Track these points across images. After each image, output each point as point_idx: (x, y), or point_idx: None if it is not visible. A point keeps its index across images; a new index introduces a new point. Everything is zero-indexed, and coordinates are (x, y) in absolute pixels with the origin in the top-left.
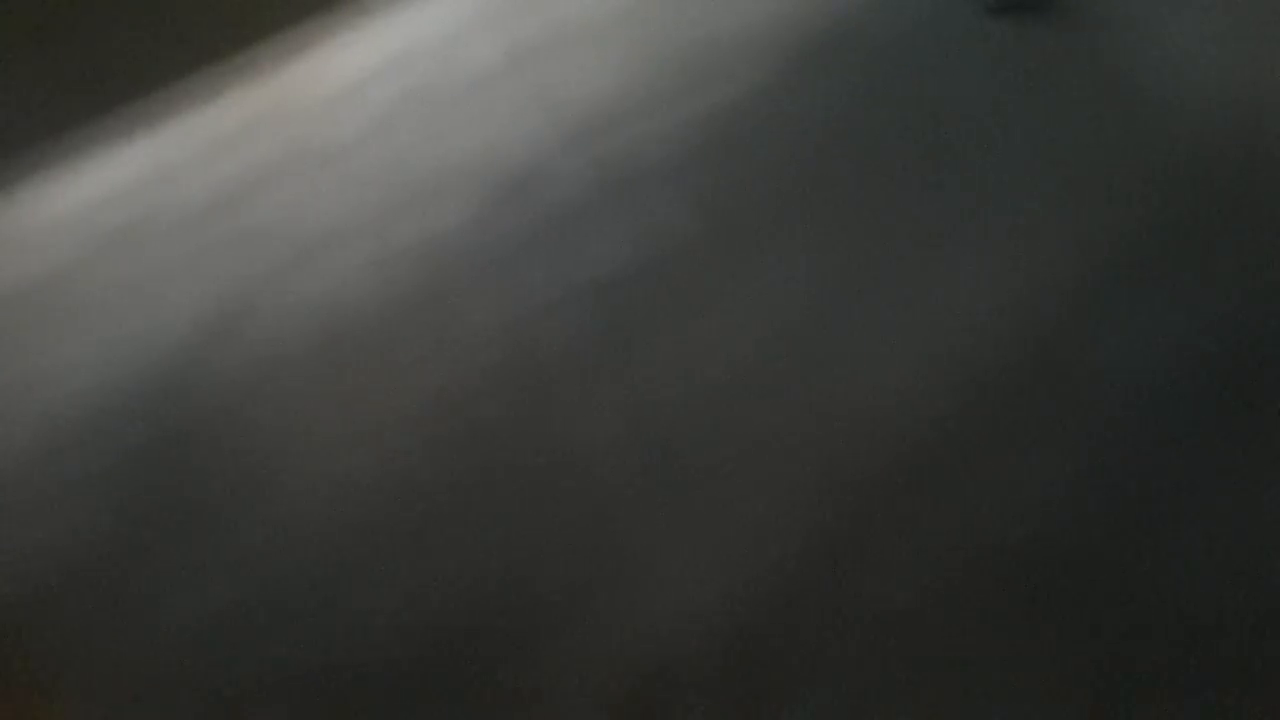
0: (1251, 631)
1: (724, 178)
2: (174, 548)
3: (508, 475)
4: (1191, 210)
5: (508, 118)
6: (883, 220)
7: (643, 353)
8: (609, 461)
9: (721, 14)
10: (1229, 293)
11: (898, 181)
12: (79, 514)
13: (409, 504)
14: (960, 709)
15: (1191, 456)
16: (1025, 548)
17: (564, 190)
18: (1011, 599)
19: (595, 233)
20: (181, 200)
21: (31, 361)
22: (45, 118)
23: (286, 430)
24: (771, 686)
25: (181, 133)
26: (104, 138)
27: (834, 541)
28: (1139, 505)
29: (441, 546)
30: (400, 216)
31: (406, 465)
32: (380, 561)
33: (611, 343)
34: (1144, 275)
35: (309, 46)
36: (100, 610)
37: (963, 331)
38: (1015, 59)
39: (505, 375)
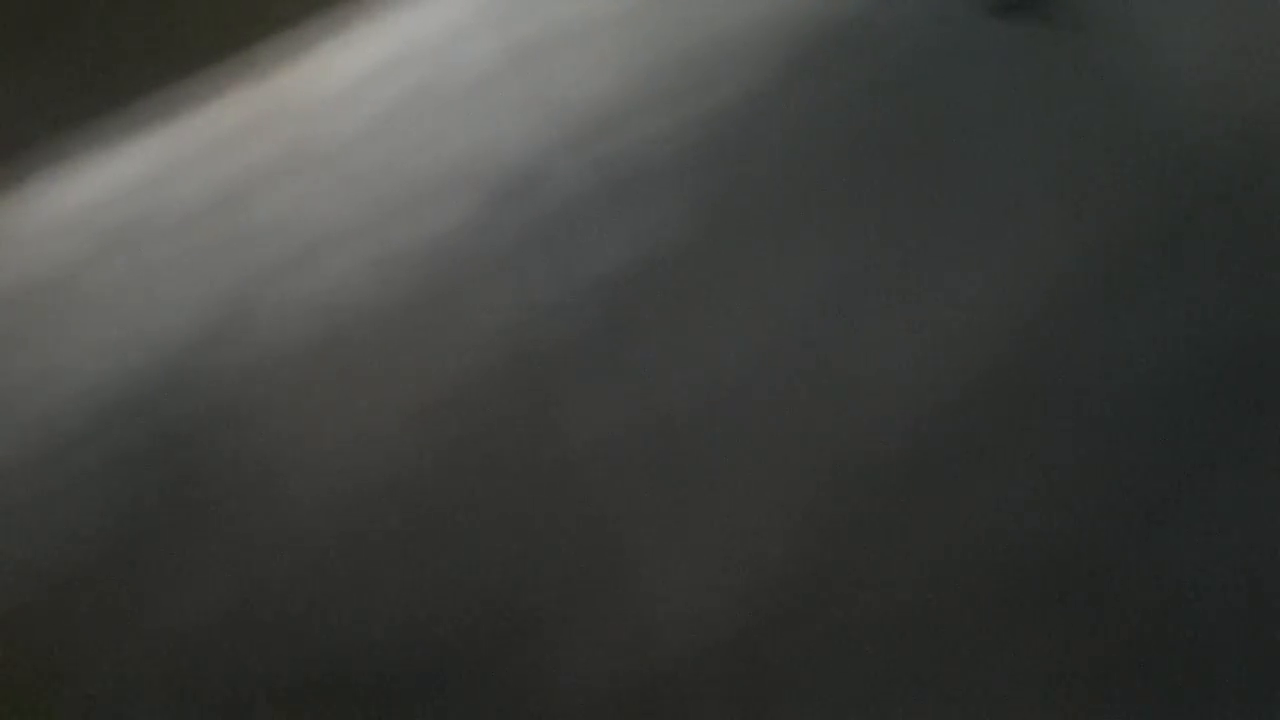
0: (1251, 630)
1: (724, 178)
2: (173, 548)
3: (508, 475)
4: (1190, 210)
5: (508, 118)
6: (883, 220)
7: (643, 353)
8: (609, 461)
9: (721, 14)
10: (1228, 293)
11: (898, 181)
12: (79, 514)
13: (409, 504)
14: (961, 709)
15: (1191, 456)
16: (1026, 548)
17: (564, 190)
18: (1012, 598)
19: (596, 233)
20: (181, 200)
21: (32, 361)
22: (46, 118)
23: (286, 430)
24: (772, 687)
25: (181, 133)
26: (104, 138)
27: (833, 542)
28: (1139, 504)
29: (441, 547)
30: (400, 216)
31: (406, 466)
32: (380, 562)
33: (612, 342)
34: (1143, 275)
35: (309, 46)
36: (99, 610)
37: (962, 330)
38: (1015, 59)
39: (505, 375)
